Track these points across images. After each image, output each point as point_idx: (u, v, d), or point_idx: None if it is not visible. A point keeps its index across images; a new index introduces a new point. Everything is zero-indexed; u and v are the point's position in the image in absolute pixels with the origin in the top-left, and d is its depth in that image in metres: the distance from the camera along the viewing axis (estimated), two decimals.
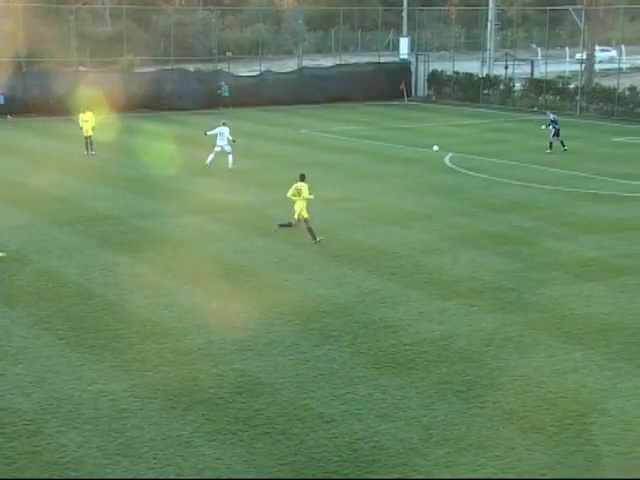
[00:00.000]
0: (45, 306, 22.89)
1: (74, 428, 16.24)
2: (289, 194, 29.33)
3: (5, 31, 69.73)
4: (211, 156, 42.31)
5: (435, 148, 48.74)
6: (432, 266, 26.80)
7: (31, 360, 19.36)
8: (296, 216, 29.32)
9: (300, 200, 29.16)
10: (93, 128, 47.32)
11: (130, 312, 22.55)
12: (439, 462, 15.13)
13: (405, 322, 21.89)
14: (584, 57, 73.61)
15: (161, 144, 50.35)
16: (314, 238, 29.03)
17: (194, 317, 22.12)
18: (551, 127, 48.94)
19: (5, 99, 62.79)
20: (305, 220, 29.20)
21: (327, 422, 16.54)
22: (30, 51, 71.31)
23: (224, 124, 42.89)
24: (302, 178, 29.69)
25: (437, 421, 16.59)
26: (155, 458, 15.19)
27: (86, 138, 47.07)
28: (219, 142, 42.27)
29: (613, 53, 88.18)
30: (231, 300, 23.49)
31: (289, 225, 29.57)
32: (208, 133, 42.91)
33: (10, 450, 15.40)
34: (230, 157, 42.21)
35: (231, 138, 42.27)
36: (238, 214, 33.26)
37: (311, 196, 29.27)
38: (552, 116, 49.72)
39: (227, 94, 69.14)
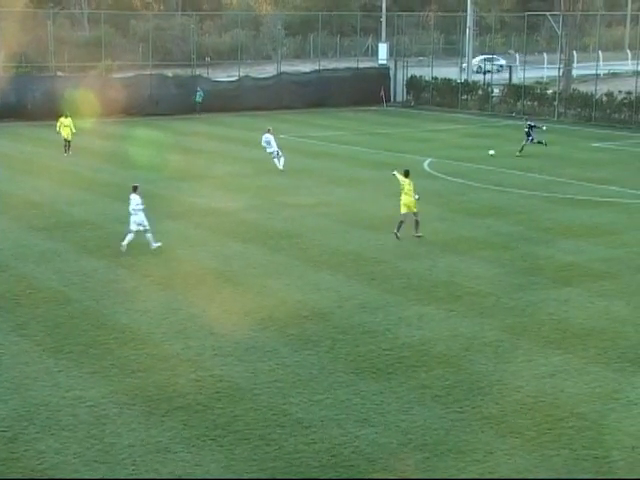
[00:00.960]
0: (22, 312, 22.78)
1: (52, 435, 16.16)
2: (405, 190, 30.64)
3: None
4: (280, 160, 43.61)
5: (491, 152, 48.86)
6: (410, 271, 26.83)
7: (8, 367, 19.25)
8: (404, 210, 30.36)
9: (406, 195, 30.42)
10: (72, 133, 48.14)
11: (108, 318, 22.47)
12: (418, 467, 15.15)
13: (384, 327, 21.90)
14: (561, 63, 74.03)
15: (139, 149, 50.23)
16: (416, 232, 30.41)
17: (173, 323, 22.06)
18: (529, 131, 49.47)
19: None
20: (415, 214, 30.50)
21: (306, 427, 16.53)
22: (7, 56, 71.04)
23: (269, 130, 44.03)
24: (406, 174, 30.91)
25: (416, 426, 16.60)
26: (134, 464, 15.14)
27: (65, 141, 48.09)
28: (272, 148, 43.72)
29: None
30: (210, 305, 23.44)
31: (401, 223, 30.39)
32: (263, 144, 44.25)
33: None
34: (282, 159, 43.67)
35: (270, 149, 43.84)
36: (217, 219, 33.21)
37: (416, 196, 30.57)
38: (530, 122, 50.41)
39: (200, 100, 69.15)
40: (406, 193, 30.51)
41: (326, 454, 15.54)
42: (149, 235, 28.31)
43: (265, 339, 21.03)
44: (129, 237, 28.22)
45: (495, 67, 79.19)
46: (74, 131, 48.52)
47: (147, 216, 28.46)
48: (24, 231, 31.31)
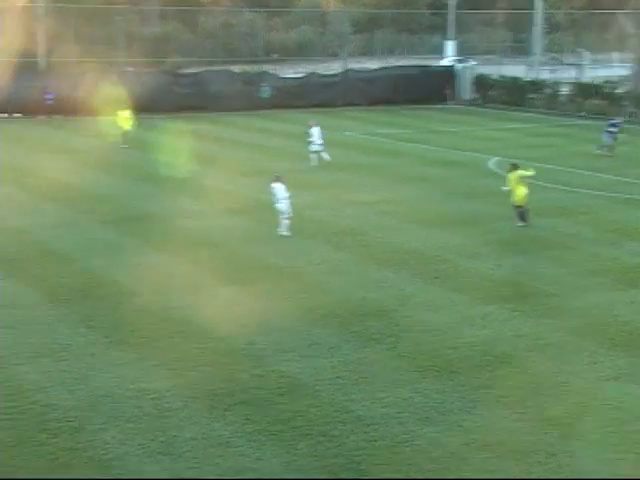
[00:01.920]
0: (89, 305, 23.11)
1: (116, 426, 16.39)
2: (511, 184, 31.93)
3: (55, 32, 70.45)
4: (324, 155, 43.85)
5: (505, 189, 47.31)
6: (474, 270, 26.71)
7: (75, 358, 19.55)
8: (522, 202, 31.69)
9: (521, 186, 31.64)
10: (130, 125, 50.10)
11: (172, 312, 22.69)
12: (479, 467, 15.10)
13: (447, 326, 21.84)
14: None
15: (202, 144, 50.61)
16: (525, 221, 31.73)
17: (236, 318, 22.20)
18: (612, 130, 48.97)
19: (54, 99, 63.41)
20: (524, 204, 31.75)
21: (367, 425, 16.55)
22: (79, 51, 71.98)
23: (312, 125, 44.21)
24: (515, 167, 32.21)
25: (478, 426, 16.54)
26: (195, 457, 15.29)
27: (123, 134, 49.90)
28: (317, 141, 43.99)
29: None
30: (272, 301, 23.55)
31: (522, 214, 31.76)
32: (309, 139, 44.44)
33: (54, 446, 15.58)
34: (324, 154, 43.94)
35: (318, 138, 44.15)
36: (279, 215, 33.28)
37: (505, 188, 32.39)
38: (615, 120, 49.99)
39: (267, 96, 69.49)
40: (515, 185, 31.81)
41: (387, 452, 15.55)
42: (287, 222, 29.96)
43: (327, 336, 21.08)
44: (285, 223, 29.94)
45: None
46: (133, 124, 50.01)
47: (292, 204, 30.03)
48: (91, 224, 31.69)
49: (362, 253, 28.41)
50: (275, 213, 30.18)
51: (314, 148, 44.04)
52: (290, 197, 29.84)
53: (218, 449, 15.58)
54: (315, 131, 44.11)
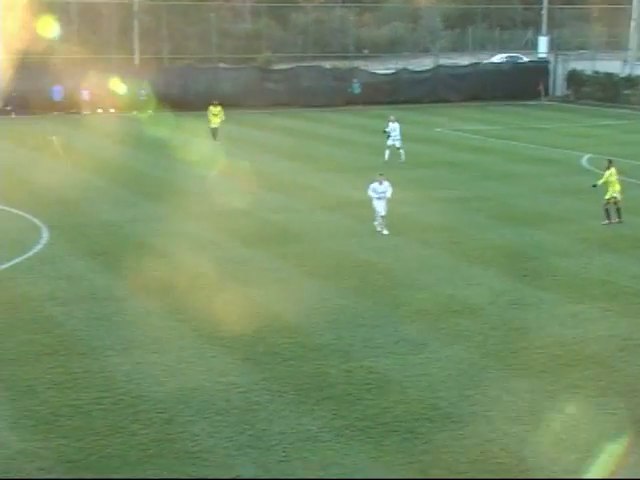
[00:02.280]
0: (180, 298, 23.41)
1: (205, 418, 16.59)
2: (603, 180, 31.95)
3: (148, 28, 71.50)
4: (402, 153, 43.63)
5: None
6: (564, 268, 26.39)
7: (165, 350, 19.83)
8: (612, 195, 31.56)
9: (615, 183, 31.68)
10: (220, 121, 50.19)
11: (261, 306, 22.87)
12: (568, 468, 14.93)
13: (536, 325, 21.63)
14: None
15: (295, 141, 50.87)
16: (619, 217, 31.65)
17: (324, 313, 22.29)
18: None
19: (146, 95, 64.36)
20: (617, 201, 31.73)
21: (455, 422, 16.49)
22: (172, 48, 72.98)
23: (393, 120, 43.95)
24: (610, 164, 32.13)
25: (567, 426, 16.35)
26: (284, 451, 15.40)
27: (212, 129, 50.08)
28: (395, 136, 43.73)
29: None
30: (360, 297, 23.58)
31: (610, 211, 31.70)
32: (386, 130, 44.16)
33: (145, 437, 15.84)
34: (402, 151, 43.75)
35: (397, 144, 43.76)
36: (369, 211, 33.26)
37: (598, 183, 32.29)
38: None
39: (357, 92, 69.58)
40: (612, 182, 31.69)
41: (475, 450, 15.47)
42: (381, 222, 29.86)
43: (416, 332, 21.05)
44: (380, 220, 29.82)
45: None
46: (223, 119, 50.17)
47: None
48: (180, 218, 32.04)
49: (451, 250, 28.28)
50: (372, 211, 30.11)
51: (391, 143, 43.83)
52: (388, 196, 29.64)
53: (306, 443, 15.67)
54: (394, 127, 43.94)
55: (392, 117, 44.75)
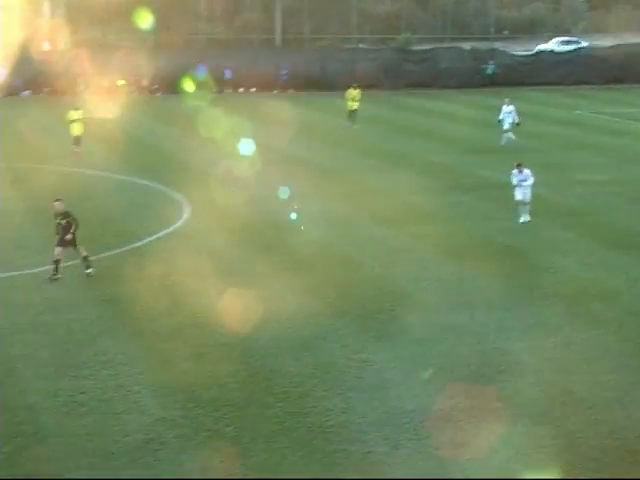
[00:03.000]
0: (316, 275, 23.71)
1: (339, 394, 16.83)
2: None
3: (290, 9, 72.07)
4: (511, 135, 43.04)
5: None
6: None
7: (301, 326, 20.13)
8: None
9: None
10: (357, 102, 49.86)
11: (396, 285, 23.02)
12: None
13: None
14: None
15: (432, 121, 50.73)
16: None
17: (458, 294, 22.29)
18: None
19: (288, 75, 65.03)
20: None
21: (589, 408, 16.33)
22: (313, 28, 73.47)
23: (508, 103, 43.45)
24: None
25: None
26: (415, 429, 15.51)
27: (349, 112, 49.79)
28: (509, 120, 43.08)
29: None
30: (495, 278, 23.46)
31: None
32: (500, 119, 43.60)
33: (280, 410, 16.18)
34: (509, 134, 43.06)
35: (516, 120, 42.92)
36: (505, 192, 32.87)
37: None
38: None
39: (490, 72, 68.89)
40: None
41: (608, 436, 15.29)
42: (528, 208, 28.77)
43: (550, 315, 20.87)
44: (524, 210, 28.80)
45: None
46: (359, 102, 49.75)
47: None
48: (319, 198, 32.24)
49: (588, 234, 27.84)
50: (512, 198, 29.52)
51: (507, 127, 43.11)
52: (529, 184, 28.79)
53: (437, 422, 15.73)
54: (509, 109, 43.18)
55: (507, 100, 43.95)
